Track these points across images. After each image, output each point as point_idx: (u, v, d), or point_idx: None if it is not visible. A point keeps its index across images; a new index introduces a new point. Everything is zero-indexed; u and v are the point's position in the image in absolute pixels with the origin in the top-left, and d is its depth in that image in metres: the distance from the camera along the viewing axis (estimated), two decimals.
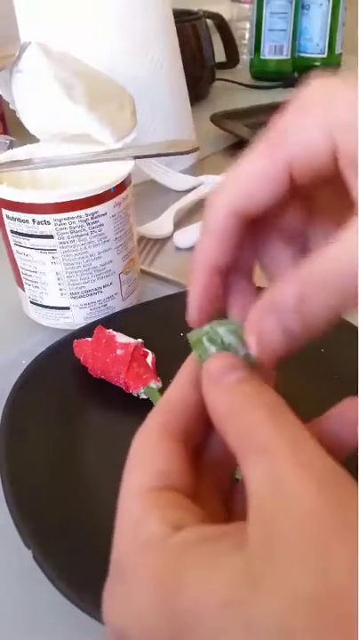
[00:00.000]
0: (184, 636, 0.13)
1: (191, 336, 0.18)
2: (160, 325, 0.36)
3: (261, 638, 0.12)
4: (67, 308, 0.37)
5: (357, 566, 0.11)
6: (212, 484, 0.18)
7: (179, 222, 0.53)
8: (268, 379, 0.18)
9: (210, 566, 0.13)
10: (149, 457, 0.16)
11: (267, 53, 1.00)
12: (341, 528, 0.12)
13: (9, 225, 0.35)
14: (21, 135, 0.43)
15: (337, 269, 0.14)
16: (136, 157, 0.36)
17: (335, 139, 0.15)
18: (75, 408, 0.32)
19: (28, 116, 0.41)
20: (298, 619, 0.11)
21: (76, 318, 0.38)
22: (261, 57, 1.00)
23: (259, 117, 0.76)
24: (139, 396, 0.32)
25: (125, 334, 0.34)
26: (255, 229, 0.18)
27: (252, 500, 0.14)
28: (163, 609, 0.13)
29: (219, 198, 0.17)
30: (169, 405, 0.18)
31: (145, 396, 0.32)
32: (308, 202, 0.18)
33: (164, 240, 0.51)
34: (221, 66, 0.98)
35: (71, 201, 0.33)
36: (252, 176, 0.17)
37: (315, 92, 0.16)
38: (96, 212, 0.34)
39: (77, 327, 0.37)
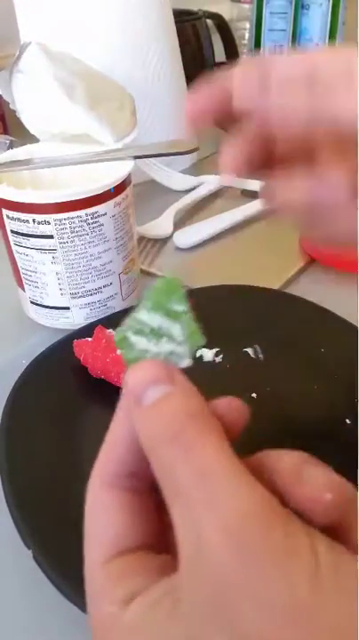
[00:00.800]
0: None
1: (115, 335, 0.16)
2: None
3: None
4: (67, 308, 0.37)
5: (266, 636, 0.12)
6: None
7: (179, 222, 0.53)
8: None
9: (149, 634, 0.14)
10: (96, 523, 0.16)
11: (267, 53, 0.99)
12: (249, 598, 0.12)
13: (9, 225, 0.35)
14: (21, 135, 0.43)
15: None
16: (136, 157, 0.36)
17: None
18: (75, 408, 0.32)
19: (28, 116, 0.41)
20: None
21: (76, 318, 0.38)
22: None
23: None
24: None
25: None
26: None
27: (178, 547, 0.14)
28: None
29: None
30: (110, 448, 0.17)
31: None
32: None
33: (164, 240, 0.51)
34: (221, 66, 0.98)
35: (71, 201, 0.33)
36: None
37: None
38: (96, 212, 0.34)
39: (77, 327, 0.37)
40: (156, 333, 0.16)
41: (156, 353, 0.16)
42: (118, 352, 0.16)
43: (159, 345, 0.16)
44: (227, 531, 0.13)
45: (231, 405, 0.16)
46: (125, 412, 0.16)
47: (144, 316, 0.16)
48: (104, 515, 0.16)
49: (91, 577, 0.16)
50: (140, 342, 0.16)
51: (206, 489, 0.13)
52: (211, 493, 0.13)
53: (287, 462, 0.15)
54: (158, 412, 0.15)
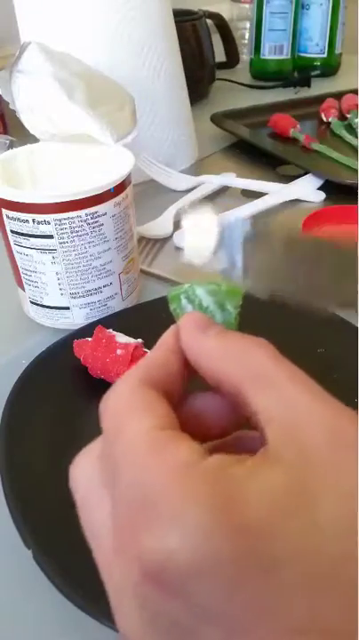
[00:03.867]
0: (252, 557, 0.12)
1: (170, 291, 0.18)
2: (160, 325, 0.35)
3: (331, 533, 0.12)
4: (67, 308, 0.37)
5: None
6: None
7: (179, 222, 0.53)
8: None
9: (261, 483, 0.12)
10: (142, 403, 0.15)
11: (267, 53, 0.99)
12: (333, 487, 0.13)
13: (9, 225, 0.35)
14: (21, 135, 0.43)
15: None
16: None
17: None
18: (74, 408, 0.32)
19: (28, 116, 0.41)
20: (355, 511, 0.12)
21: (76, 318, 0.38)
22: (261, 57, 1.00)
23: (258, 117, 0.76)
24: None
25: (125, 334, 0.34)
26: None
27: (272, 426, 0.14)
28: (224, 528, 0.12)
29: None
30: (151, 363, 0.17)
31: None
32: None
33: (164, 240, 0.51)
34: (221, 66, 0.98)
35: (71, 201, 0.33)
36: None
37: None
38: (96, 212, 0.34)
39: (77, 327, 0.37)
40: (204, 310, 0.18)
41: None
42: (170, 306, 0.18)
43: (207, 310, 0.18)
44: (323, 398, 0.14)
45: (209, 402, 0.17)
46: (168, 346, 0.17)
47: (200, 293, 0.18)
48: (153, 398, 0.15)
49: (145, 438, 0.14)
50: (188, 307, 0.18)
51: (296, 378, 0.15)
52: (301, 380, 0.15)
53: None
54: (234, 334, 0.17)
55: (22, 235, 0.35)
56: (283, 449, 0.13)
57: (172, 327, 0.18)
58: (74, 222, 0.34)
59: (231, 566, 0.12)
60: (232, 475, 0.13)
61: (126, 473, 0.13)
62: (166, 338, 0.18)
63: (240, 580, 0.12)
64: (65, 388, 0.33)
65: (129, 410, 0.15)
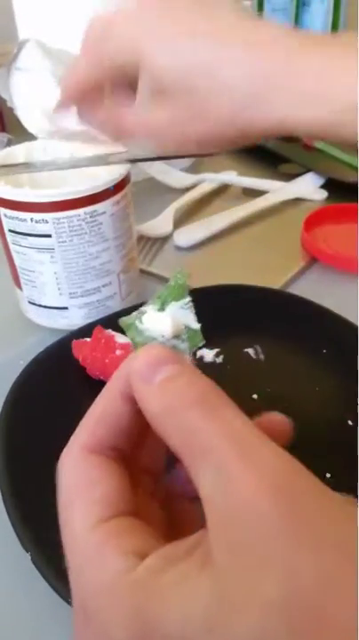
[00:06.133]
0: None
1: (122, 321, 0.18)
2: None
3: None
4: (66, 308, 0.37)
5: (323, 569, 0.12)
6: (147, 489, 0.18)
7: (179, 221, 0.53)
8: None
9: (182, 596, 0.12)
10: (85, 483, 0.15)
11: None
12: (302, 535, 0.12)
13: (7, 224, 0.35)
14: (19, 133, 0.43)
15: None
16: (131, 161, 0.36)
17: None
18: (73, 409, 0.32)
19: (26, 114, 0.40)
20: (276, 624, 0.11)
21: (75, 318, 0.37)
22: None
23: None
24: None
25: (124, 334, 0.33)
26: None
27: (207, 507, 0.13)
28: None
29: None
30: (97, 420, 0.16)
31: None
32: None
33: (164, 239, 0.50)
34: None
35: (70, 199, 0.33)
36: None
37: None
38: (95, 211, 0.34)
39: (76, 327, 0.37)
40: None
41: (162, 342, 0.17)
42: (128, 336, 0.18)
43: (163, 338, 0.17)
44: (274, 485, 0.12)
45: (272, 421, 0.17)
46: (120, 391, 0.16)
47: (151, 312, 0.17)
48: (95, 476, 0.15)
49: (82, 540, 0.14)
50: (147, 330, 0.17)
51: (240, 445, 0.13)
52: (247, 449, 0.13)
53: None
54: (179, 382, 0.15)
55: (20, 234, 0.34)
56: (216, 545, 0.13)
57: (122, 366, 0.16)
58: (72, 221, 0.33)
59: None
60: (157, 587, 0.13)
61: (72, 571, 0.14)
62: (116, 382, 0.16)
63: None
64: (63, 389, 0.33)
65: (74, 493, 0.15)
